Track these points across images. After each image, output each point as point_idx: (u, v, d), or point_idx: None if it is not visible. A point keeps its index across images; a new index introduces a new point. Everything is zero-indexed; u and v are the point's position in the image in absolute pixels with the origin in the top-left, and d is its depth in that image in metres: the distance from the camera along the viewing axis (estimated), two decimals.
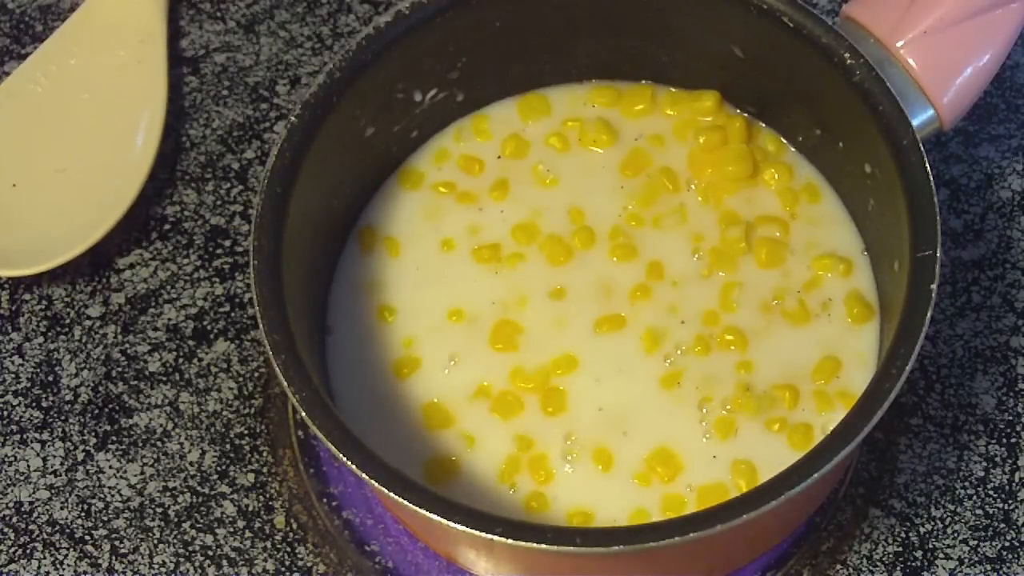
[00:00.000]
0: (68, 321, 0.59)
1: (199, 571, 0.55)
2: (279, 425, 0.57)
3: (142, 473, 0.56)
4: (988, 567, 0.53)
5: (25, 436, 0.57)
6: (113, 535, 0.55)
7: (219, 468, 0.56)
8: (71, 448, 0.57)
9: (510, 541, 0.43)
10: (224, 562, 0.55)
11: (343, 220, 0.55)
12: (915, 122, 0.49)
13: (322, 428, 0.45)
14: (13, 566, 0.55)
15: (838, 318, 0.52)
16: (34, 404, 0.58)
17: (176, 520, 0.55)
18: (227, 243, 0.61)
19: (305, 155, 0.49)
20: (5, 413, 0.58)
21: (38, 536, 0.56)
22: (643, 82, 0.57)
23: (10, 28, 0.66)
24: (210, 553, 0.55)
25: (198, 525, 0.55)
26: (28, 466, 0.57)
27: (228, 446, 0.57)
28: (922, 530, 0.54)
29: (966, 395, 0.56)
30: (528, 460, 0.50)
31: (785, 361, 0.51)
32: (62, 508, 0.56)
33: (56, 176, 0.61)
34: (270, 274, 0.47)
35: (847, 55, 0.49)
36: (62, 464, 0.57)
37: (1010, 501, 0.55)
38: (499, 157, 0.56)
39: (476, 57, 0.54)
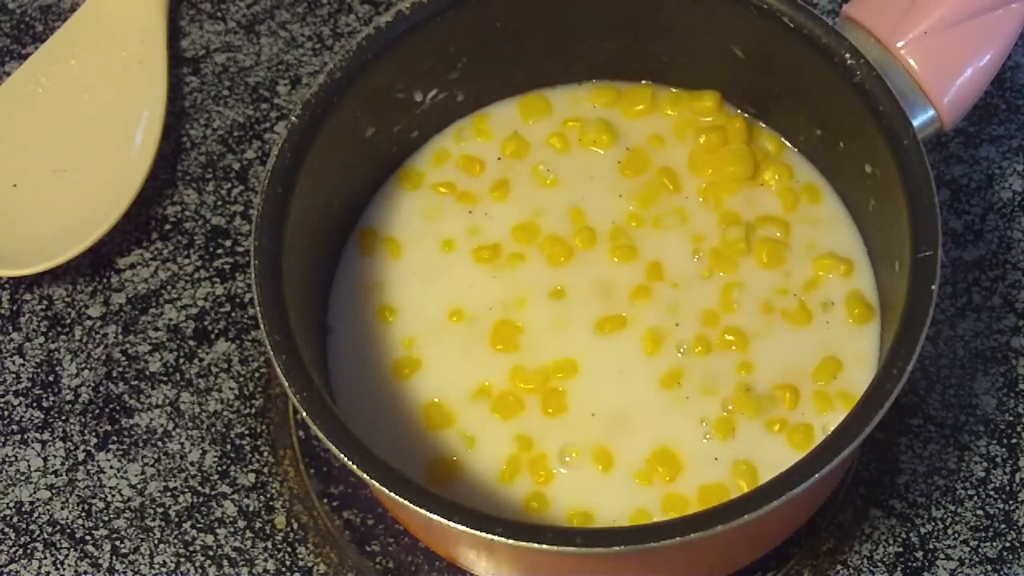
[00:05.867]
0: (69, 321, 0.59)
1: (200, 571, 0.55)
2: (280, 425, 0.57)
3: (143, 473, 0.56)
4: (989, 567, 0.53)
5: (26, 436, 0.57)
6: (114, 535, 0.55)
7: (220, 468, 0.56)
8: (72, 448, 0.57)
9: (510, 541, 0.43)
10: (225, 562, 0.55)
11: (343, 220, 0.55)
12: (916, 122, 0.49)
13: (323, 428, 0.45)
14: (13, 566, 0.55)
15: (839, 319, 0.52)
16: (35, 404, 0.58)
17: (177, 520, 0.55)
18: (228, 243, 0.61)
19: (306, 155, 0.49)
20: (6, 413, 0.58)
21: (39, 536, 0.56)
22: (643, 82, 0.57)
23: (11, 28, 0.66)
24: (211, 553, 0.55)
25: (199, 525, 0.55)
26: (29, 466, 0.57)
27: (229, 446, 0.57)
28: (923, 530, 0.54)
29: (967, 395, 0.56)
30: (528, 460, 0.50)
31: (786, 361, 0.51)
32: (63, 508, 0.56)
33: (56, 176, 0.61)
34: (271, 274, 0.47)
35: (847, 55, 0.49)
36: (63, 464, 0.57)
37: (1011, 502, 0.55)
38: (499, 157, 0.56)
39: (477, 57, 0.54)
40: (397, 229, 0.55)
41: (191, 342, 0.59)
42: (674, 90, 0.56)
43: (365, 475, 0.44)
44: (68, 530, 0.56)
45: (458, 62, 0.54)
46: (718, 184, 0.54)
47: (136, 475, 0.56)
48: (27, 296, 0.60)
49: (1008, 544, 0.54)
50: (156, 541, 0.55)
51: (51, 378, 0.58)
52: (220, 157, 0.62)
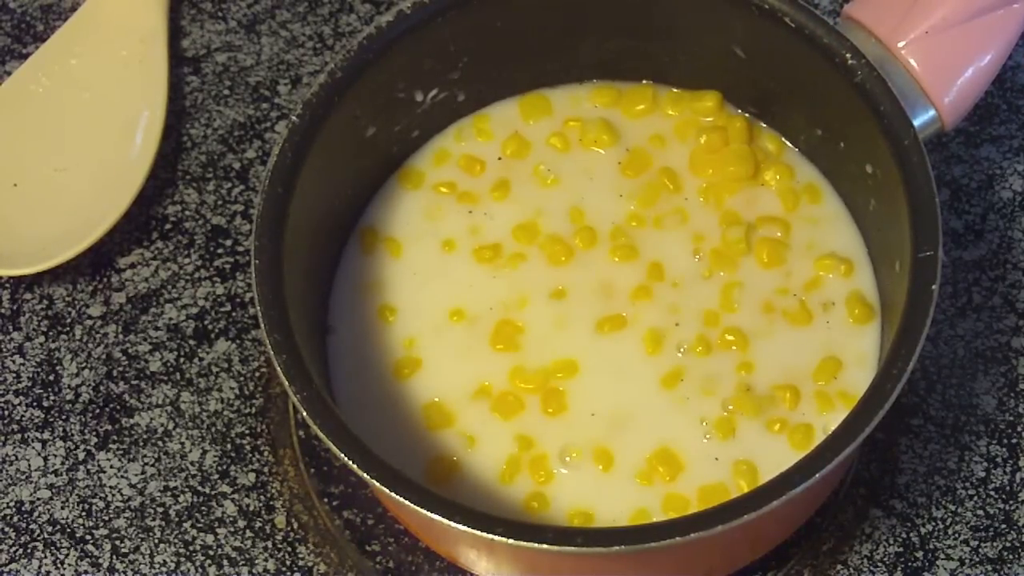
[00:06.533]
0: (69, 320, 0.59)
1: (200, 571, 0.55)
2: (280, 425, 0.57)
3: (143, 473, 0.56)
4: (989, 567, 0.53)
5: (26, 435, 0.57)
6: (114, 535, 0.55)
7: (220, 468, 0.56)
8: (72, 447, 0.57)
9: (511, 541, 0.43)
10: (225, 562, 0.55)
11: (344, 220, 0.55)
12: (916, 122, 0.49)
13: (323, 428, 0.45)
14: (14, 565, 0.55)
15: (839, 319, 0.52)
16: (35, 403, 0.58)
17: (177, 520, 0.55)
18: (228, 243, 0.61)
19: (306, 155, 0.49)
20: (6, 412, 0.58)
21: (39, 536, 0.56)
22: (644, 82, 0.57)
23: (11, 28, 0.66)
24: (211, 553, 0.55)
25: (199, 525, 0.55)
26: (29, 465, 0.57)
27: (229, 446, 0.57)
28: (923, 530, 0.54)
29: (967, 396, 0.56)
30: (529, 460, 0.50)
31: (786, 362, 0.51)
32: (63, 507, 0.56)
33: (56, 176, 0.61)
34: (271, 274, 0.47)
35: (848, 55, 0.49)
36: (63, 463, 0.57)
37: (1011, 502, 0.55)
38: (500, 157, 0.56)
39: (477, 57, 0.54)
40: (397, 229, 0.55)
41: (191, 342, 0.59)
42: (675, 90, 0.56)
43: (365, 475, 0.44)
44: (68, 529, 0.56)
45: (459, 62, 0.54)
46: (719, 184, 0.54)
47: (136, 475, 0.56)
48: (27, 296, 0.60)
49: (1008, 544, 0.54)
50: (156, 541, 0.55)
51: (51, 377, 0.58)
52: (220, 157, 0.62)
